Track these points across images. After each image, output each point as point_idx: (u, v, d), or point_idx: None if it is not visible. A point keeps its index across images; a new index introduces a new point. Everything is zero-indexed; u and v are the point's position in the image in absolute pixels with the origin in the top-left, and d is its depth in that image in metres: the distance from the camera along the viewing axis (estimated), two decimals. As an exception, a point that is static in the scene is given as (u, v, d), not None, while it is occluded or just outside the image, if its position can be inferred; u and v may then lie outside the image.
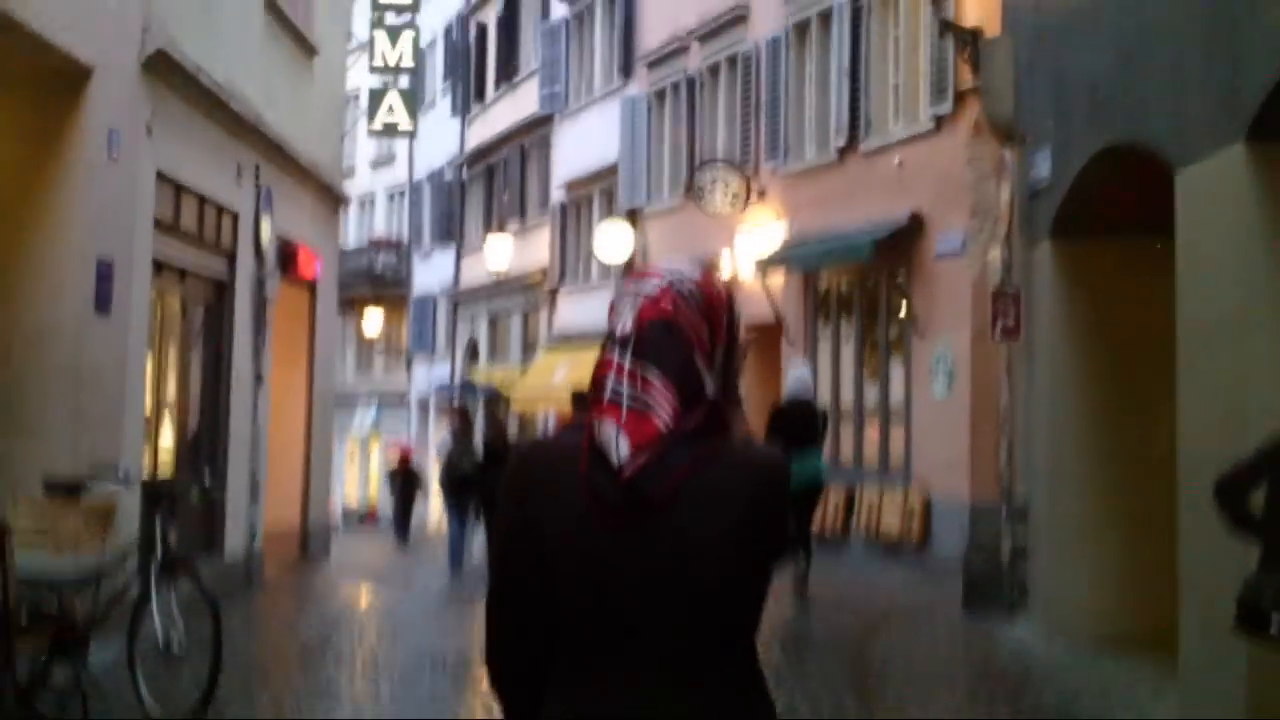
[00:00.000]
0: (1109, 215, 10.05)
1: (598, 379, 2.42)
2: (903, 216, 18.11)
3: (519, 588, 2.44)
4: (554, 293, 30.43)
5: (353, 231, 46.10)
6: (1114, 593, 9.93)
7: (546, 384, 28.23)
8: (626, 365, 2.40)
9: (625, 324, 2.43)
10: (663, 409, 2.36)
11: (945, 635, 11.00)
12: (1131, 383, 10.05)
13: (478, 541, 18.26)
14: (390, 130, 22.07)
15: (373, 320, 42.28)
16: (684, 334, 2.42)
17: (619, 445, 2.34)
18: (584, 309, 28.29)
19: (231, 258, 14.01)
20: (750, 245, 21.52)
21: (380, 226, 44.73)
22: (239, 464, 14.17)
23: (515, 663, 2.49)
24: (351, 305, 44.29)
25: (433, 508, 30.80)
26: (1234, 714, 6.64)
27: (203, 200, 13.05)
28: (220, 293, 13.97)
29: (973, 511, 16.95)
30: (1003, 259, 11.74)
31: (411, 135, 23.08)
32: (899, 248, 18.07)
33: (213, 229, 13.48)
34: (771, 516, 2.42)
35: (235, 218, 13.99)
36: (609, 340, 2.44)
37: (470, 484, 17.83)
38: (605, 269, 27.42)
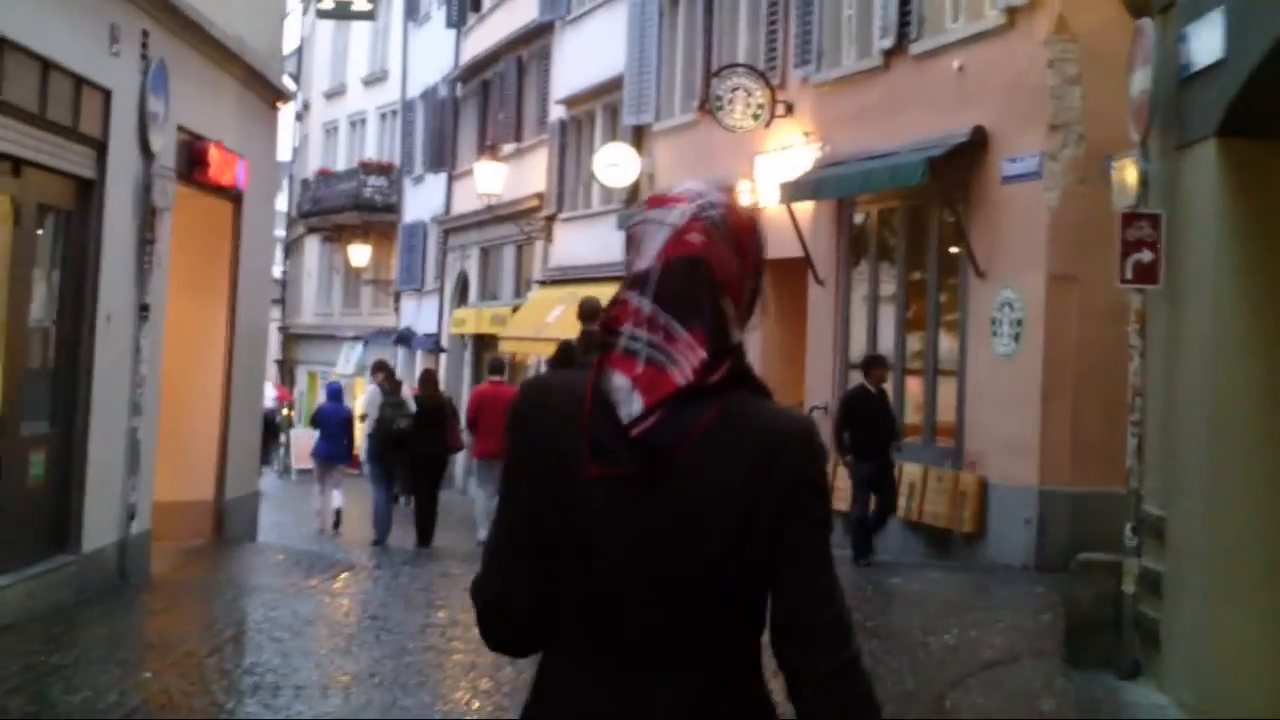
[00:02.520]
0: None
1: (612, 322, 2.18)
2: (962, 132, 14.75)
3: (517, 533, 2.21)
4: (551, 221, 27.14)
5: (343, 155, 42.84)
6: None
7: (540, 324, 24.99)
8: (646, 310, 2.16)
9: (647, 260, 2.19)
10: (685, 363, 2.13)
11: (1049, 710, 7.69)
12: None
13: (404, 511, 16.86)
14: (344, 10, 18.56)
15: (360, 250, 38.94)
16: (714, 273, 2.19)
17: (631, 400, 2.11)
18: (584, 239, 25.03)
19: (101, 149, 10.68)
20: (774, 167, 18.21)
21: (371, 149, 41.33)
22: (110, 422, 10.93)
23: (511, 606, 2.23)
24: (339, 233, 41.16)
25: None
26: None
27: (48, 66, 9.71)
28: (86, 195, 10.66)
29: (1042, 500, 13.75)
30: (1139, 171, 8.38)
31: (369, 17, 19.60)
32: (956, 170, 14.72)
33: (67, 108, 10.12)
34: (787, 489, 2.15)
35: (107, 96, 10.66)
36: (627, 279, 2.21)
37: (403, 444, 16.22)
38: (608, 195, 24.08)
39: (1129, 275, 8.24)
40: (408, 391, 16.99)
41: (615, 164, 22.65)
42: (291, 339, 46.34)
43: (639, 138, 22.98)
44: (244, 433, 14.93)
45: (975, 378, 14.81)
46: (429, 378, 17.71)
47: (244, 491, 15.05)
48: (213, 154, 12.94)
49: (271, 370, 51.45)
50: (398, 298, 38.08)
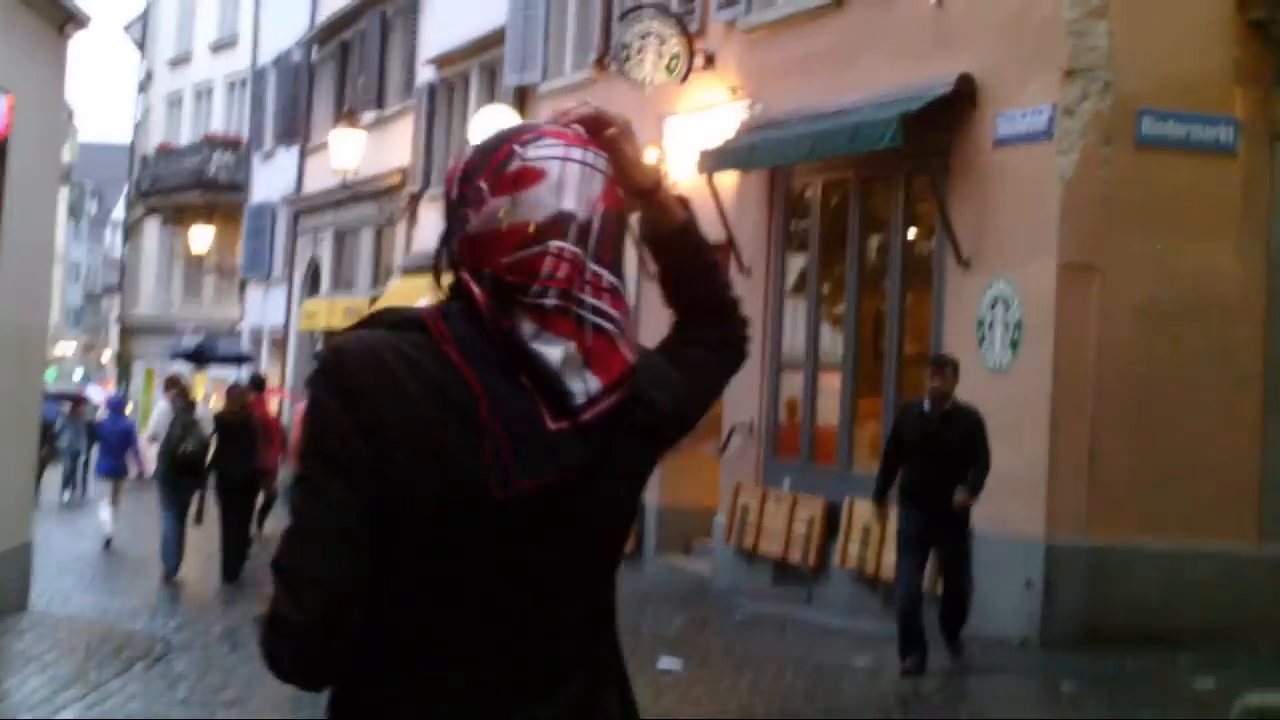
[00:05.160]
0: None
1: (529, 266, 1.84)
2: (942, 83, 11.55)
3: (348, 539, 1.78)
4: (416, 199, 23.57)
5: (187, 129, 38.78)
6: None
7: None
8: (590, 266, 1.87)
9: (577, 206, 1.88)
10: (628, 333, 1.89)
11: None
12: None
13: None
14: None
15: (201, 234, 34.87)
16: (624, 233, 1.95)
17: (582, 376, 1.83)
18: (453, 221, 21.52)
19: None
20: (690, 132, 14.88)
21: (218, 122, 37.33)
22: None
23: (343, 627, 1.79)
24: (181, 215, 37.18)
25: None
26: None
27: None
28: None
29: (1050, 557, 10.57)
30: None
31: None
32: (933, 130, 11.51)
33: None
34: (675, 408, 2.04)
35: None
36: (555, 221, 1.86)
37: (195, 468, 14.76)
38: (482, 169, 20.59)
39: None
40: (204, 409, 16.08)
41: (493, 128, 19.14)
42: (128, 332, 42.11)
43: (522, 100, 19.55)
44: (8, 464, 11.15)
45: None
46: (235, 391, 15.97)
47: (8, 545, 11.25)
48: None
49: (110, 367, 47.25)
50: (243, 287, 34.16)
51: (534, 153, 1.89)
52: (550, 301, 1.82)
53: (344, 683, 1.87)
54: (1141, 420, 10.63)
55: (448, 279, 1.92)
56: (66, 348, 70.67)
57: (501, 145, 1.92)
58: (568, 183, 1.87)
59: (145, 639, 11.07)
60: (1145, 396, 10.65)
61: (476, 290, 1.85)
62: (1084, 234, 10.65)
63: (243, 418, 15.13)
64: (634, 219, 2.05)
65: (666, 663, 10.05)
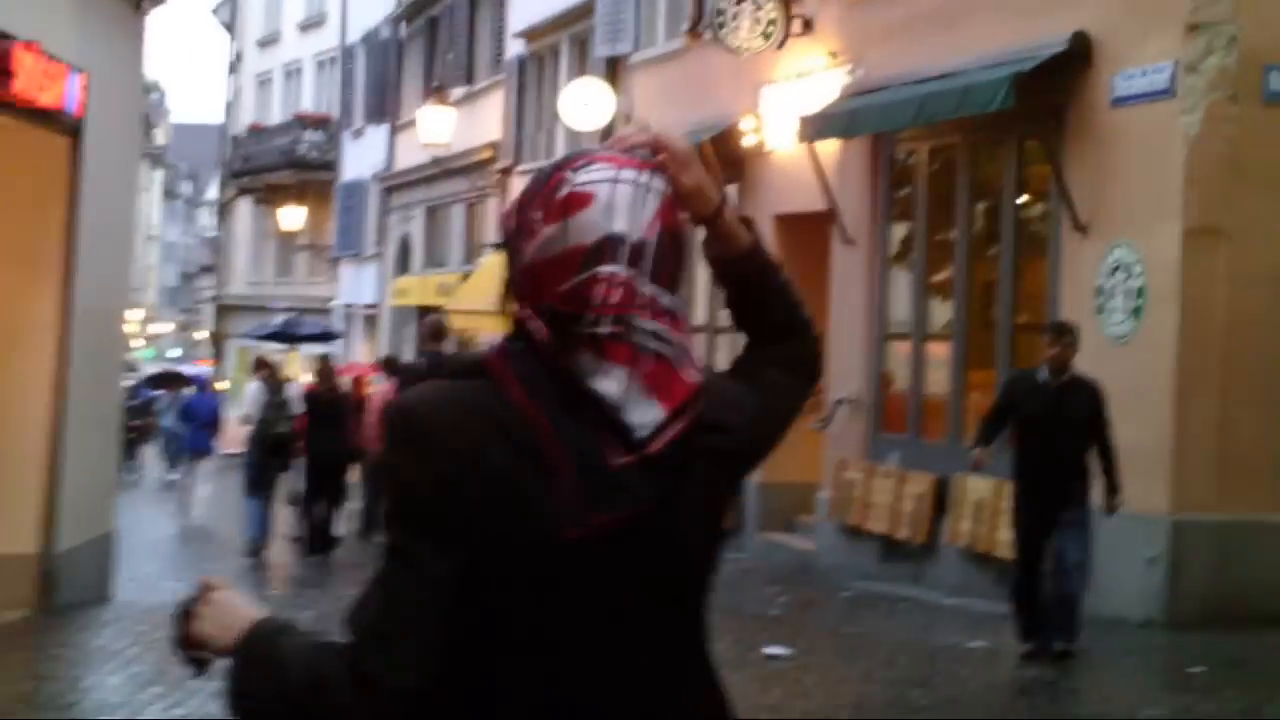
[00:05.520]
0: None
1: (582, 294, 1.81)
2: (1056, 40, 11.10)
3: (438, 605, 1.77)
4: (507, 173, 23.36)
5: (277, 108, 38.89)
6: None
7: (493, 295, 21.16)
8: (646, 290, 1.83)
9: (632, 227, 1.84)
10: (693, 354, 1.87)
11: None
12: None
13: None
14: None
15: (292, 213, 34.95)
16: (686, 251, 1.92)
17: (642, 405, 1.79)
18: (546, 195, 21.28)
19: None
20: (788, 100, 14.49)
21: (308, 101, 37.38)
22: None
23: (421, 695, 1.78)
24: (273, 194, 37.32)
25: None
26: None
27: None
28: None
29: (1175, 533, 10.14)
30: None
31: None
32: (1045, 90, 11.06)
33: None
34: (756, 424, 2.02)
35: None
36: (604, 244, 1.82)
37: (283, 449, 14.86)
38: (574, 141, 20.32)
39: None
40: (294, 389, 15.90)
41: (586, 103, 18.88)
42: (223, 310, 42.43)
43: (614, 71, 19.24)
44: (90, 452, 11.02)
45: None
46: (324, 368, 15.83)
47: (90, 535, 11.08)
48: (22, 59, 9.03)
49: (205, 346, 47.71)
50: (335, 264, 34.22)
51: (583, 177, 1.87)
52: (605, 329, 1.81)
53: None
54: (1273, 391, 10.17)
55: (512, 310, 1.91)
56: (163, 327, 71.55)
57: (553, 174, 1.91)
58: (617, 205, 1.85)
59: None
60: (1276, 366, 10.18)
61: (535, 327, 1.84)
62: (1210, 197, 10.17)
63: (332, 395, 15.15)
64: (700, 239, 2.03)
65: (774, 649, 9.74)
